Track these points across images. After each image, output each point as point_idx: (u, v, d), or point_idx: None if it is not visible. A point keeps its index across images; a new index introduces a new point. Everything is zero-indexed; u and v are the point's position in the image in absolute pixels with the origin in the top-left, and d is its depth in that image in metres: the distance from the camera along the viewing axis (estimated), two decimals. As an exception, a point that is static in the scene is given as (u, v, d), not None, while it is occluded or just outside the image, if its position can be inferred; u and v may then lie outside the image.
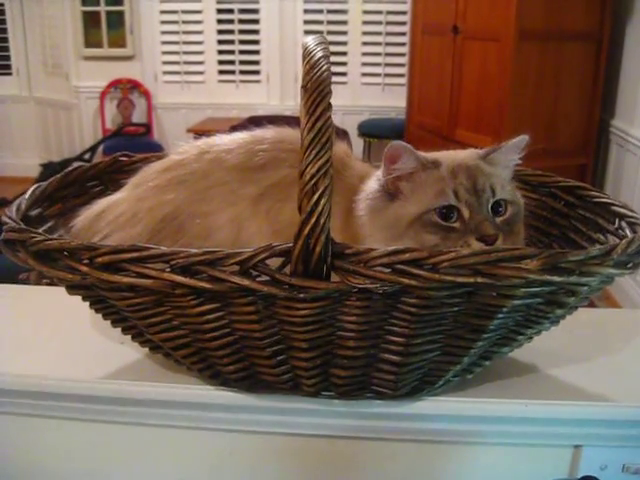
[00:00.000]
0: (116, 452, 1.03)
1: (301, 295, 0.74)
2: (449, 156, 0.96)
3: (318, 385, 0.88)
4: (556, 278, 0.72)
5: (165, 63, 6.28)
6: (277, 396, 0.91)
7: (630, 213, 0.90)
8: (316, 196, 0.71)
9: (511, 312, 0.79)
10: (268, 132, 1.00)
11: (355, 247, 0.74)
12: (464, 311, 0.78)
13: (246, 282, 0.73)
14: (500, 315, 0.78)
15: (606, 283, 0.79)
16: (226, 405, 0.93)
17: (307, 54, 0.79)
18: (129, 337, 0.92)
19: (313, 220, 0.71)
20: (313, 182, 0.71)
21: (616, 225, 0.92)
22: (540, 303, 0.79)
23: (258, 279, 0.74)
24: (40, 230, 0.89)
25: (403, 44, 5.83)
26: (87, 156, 5.78)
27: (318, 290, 0.74)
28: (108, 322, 0.90)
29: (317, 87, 0.74)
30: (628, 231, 0.88)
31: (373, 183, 0.94)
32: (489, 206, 0.90)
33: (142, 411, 0.97)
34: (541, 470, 0.98)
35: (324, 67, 0.76)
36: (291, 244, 0.73)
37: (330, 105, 0.73)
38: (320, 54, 0.78)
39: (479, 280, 0.72)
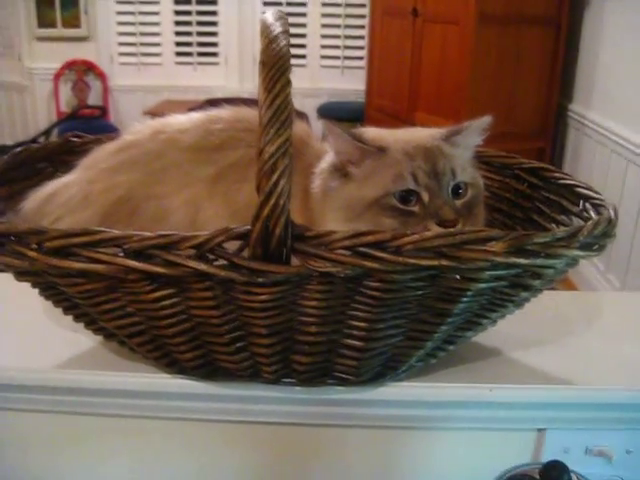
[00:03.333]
0: (69, 442, 1.00)
1: (260, 279, 0.71)
2: (407, 136, 0.94)
3: (279, 372, 0.85)
4: (522, 260, 0.71)
5: (121, 44, 6.15)
6: (236, 384, 0.88)
7: (595, 195, 0.89)
8: (275, 176, 0.68)
9: (476, 295, 0.77)
10: (224, 111, 0.97)
11: (316, 230, 0.71)
12: (428, 295, 0.76)
13: (203, 266, 0.70)
14: (465, 299, 0.76)
15: (571, 265, 0.78)
16: (183, 394, 0.91)
17: (265, 29, 0.75)
18: (82, 325, 0.88)
19: (272, 201, 0.68)
20: (272, 161, 0.68)
21: (580, 207, 0.91)
22: (505, 286, 0.77)
23: (215, 263, 0.71)
24: (-14, 214, 0.85)
25: (362, 27, 5.80)
26: (41, 139, 5.66)
27: (278, 274, 0.71)
28: (60, 310, 0.87)
29: (276, 62, 0.71)
30: (593, 213, 0.87)
31: (328, 158, 0.92)
32: (449, 189, 0.88)
33: (97, 401, 0.94)
34: (505, 454, 0.97)
35: (283, 42, 0.73)
36: (249, 226, 0.70)
37: (290, 81, 0.71)
38: (279, 29, 0.75)
39: (443, 263, 0.70)
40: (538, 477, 0.88)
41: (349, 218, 0.87)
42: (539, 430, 0.95)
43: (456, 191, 0.89)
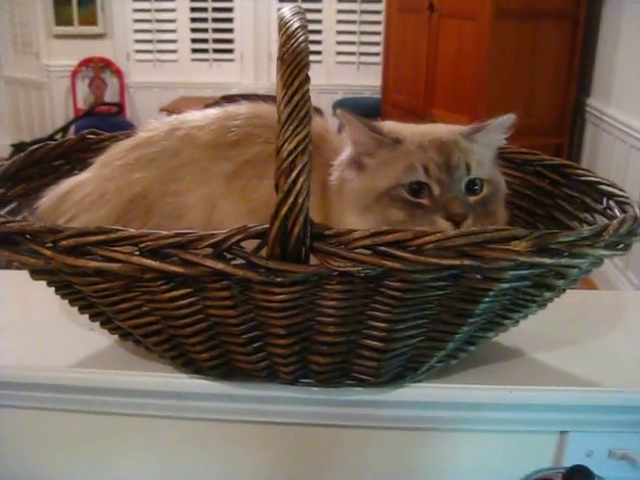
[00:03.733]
0: (85, 442, 0.99)
1: (278, 279, 0.70)
2: (425, 130, 0.92)
3: (296, 372, 0.84)
4: (546, 260, 0.69)
5: (137, 41, 6.15)
6: (253, 384, 0.87)
7: (619, 192, 0.87)
8: (294, 174, 0.67)
9: (498, 295, 0.75)
10: (241, 107, 0.96)
11: (335, 228, 0.70)
12: (449, 295, 0.74)
13: (220, 266, 0.69)
14: (487, 299, 0.75)
15: (596, 265, 0.76)
16: (200, 394, 0.90)
17: (283, 24, 0.74)
18: (98, 323, 0.87)
19: (291, 200, 0.67)
20: (290, 159, 0.67)
21: (604, 204, 0.89)
22: (528, 286, 0.75)
23: (233, 262, 0.70)
24: (2, 212, 0.84)
25: (378, 22, 5.77)
26: (59, 136, 5.68)
27: (296, 274, 0.69)
28: (76, 308, 0.86)
29: (294, 58, 0.69)
30: (617, 211, 0.85)
31: (346, 151, 0.91)
32: (462, 184, 0.86)
33: (112, 400, 0.93)
34: (526, 456, 0.96)
35: (301, 38, 0.72)
36: (267, 225, 0.69)
37: (308, 78, 0.69)
38: (297, 24, 0.74)
39: (466, 262, 0.68)
40: (561, 482, 0.86)
41: (360, 210, 0.86)
42: (561, 433, 0.93)
43: (471, 187, 0.87)
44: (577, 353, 0.98)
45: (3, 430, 0.99)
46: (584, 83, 4.35)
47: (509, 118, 0.91)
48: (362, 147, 0.89)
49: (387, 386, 0.87)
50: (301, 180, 0.67)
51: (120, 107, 6.12)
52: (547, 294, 0.78)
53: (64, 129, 5.76)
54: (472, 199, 0.87)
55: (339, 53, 6.00)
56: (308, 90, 0.69)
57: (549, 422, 0.93)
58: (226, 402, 0.91)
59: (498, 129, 0.92)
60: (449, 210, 0.83)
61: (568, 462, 0.91)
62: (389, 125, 0.94)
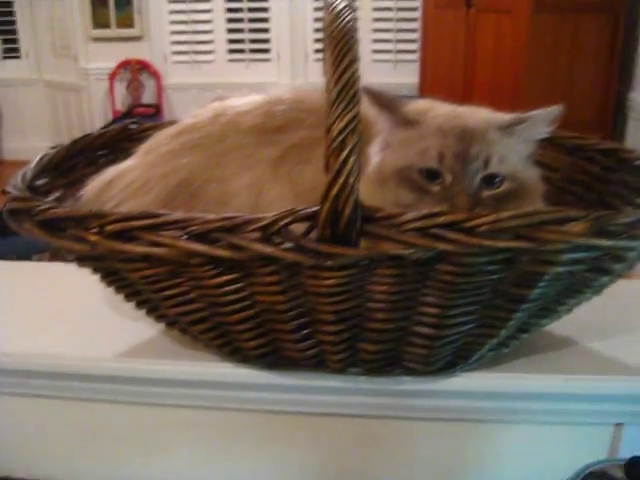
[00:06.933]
0: (132, 433, 0.99)
1: (328, 263, 0.68)
2: (455, 113, 0.88)
3: (345, 361, 0.82)
4: (604, 242, 0.67)
5: (174, 43, 6.18)
6: (301, 373, 0.86)
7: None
8: (344, 154, 0.65)
9: (553, 280, 0.73)
10: (286, 93, 0.95)
11: (386, 210, 0.68)
12: (503, 279, 0.72)
13: (268, 250, 0.68)
14: (541, 283, 0.72)
15: (655, 248, 0.74)
16: (247, 383, 0.89)
17: (329, 4, 0.73)
18: (143, 312, 0.86)
19: (342, 180, 0.65)
20: (341, 138, 0.65)
21: (661, 188, 0.86)
22: (584, 270, 0.73)
23: (281, 246, 0.68)
24: (47, 200, 0.84)
25: (415, 19, 5.73)
26: (97, 138, 5.74)
27: (347, 257, 0.68)
28: (121, 297, 0.85)
29: (343, 37, 0.68)
30: (675, 195, 0.82)
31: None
32: (477, 178, 0.82)
33: (158, 391, 0.93)
34: (580, 449, 0.93)
35: (349, 16, 0.70)
36: (317, 207, 0.67)
37: (357, 56, 0.67)
38: (344, 3, 0.72)
39: (520, 244, 0.66)
40: (620, 475, 0.83)
41: (375, 183, 0.84)
42: (616, 424, 0.91)
43: (489, 181, 0.82)
44: (632, 342, 0.94)
45: (49, 421, 0.99)
46: (626, 77, 4.28)
47: (554, 110, 0.85)
48: (384, 124, 0.86)
49: (437, 375, 0.85)
50: (352, 160, 0.65)
51: (158, 108, 6.16)
52: (603, 279, 0.75)
53: (103, 131, 5.82)
54: (487, 193, 0.82)
55: (376, 51, 5.96)
56: (357, 69, 0.67)
57: (604, 413, 0.90)
58: (273, 392, 0.89)
59: (542, 122, 0.86)
60: (454, 203, 0.79)
61: (623, 456, 0.87)
62: (422, 104, 0.90)
